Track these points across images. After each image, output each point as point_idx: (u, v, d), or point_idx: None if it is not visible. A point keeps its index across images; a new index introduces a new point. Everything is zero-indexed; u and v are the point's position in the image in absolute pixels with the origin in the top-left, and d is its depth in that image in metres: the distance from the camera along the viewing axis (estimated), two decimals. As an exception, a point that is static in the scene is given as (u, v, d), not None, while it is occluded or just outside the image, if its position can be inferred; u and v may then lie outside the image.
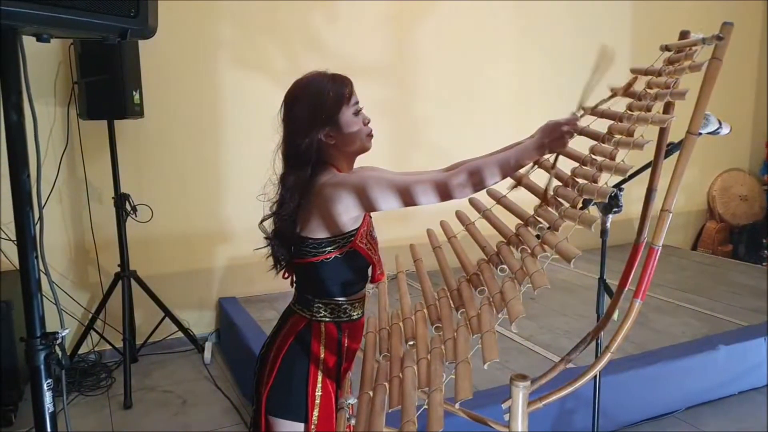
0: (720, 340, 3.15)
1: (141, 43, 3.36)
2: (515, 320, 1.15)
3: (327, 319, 1.56)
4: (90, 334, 3.53)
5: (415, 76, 4.48)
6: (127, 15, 1.26)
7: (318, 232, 1.49)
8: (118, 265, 3.44)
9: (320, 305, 1.55)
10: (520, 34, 4.78)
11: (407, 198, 1.44)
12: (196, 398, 3.22)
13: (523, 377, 1.32)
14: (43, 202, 3.32)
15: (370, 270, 1.64)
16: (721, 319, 3.55)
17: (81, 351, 3.57)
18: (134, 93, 3.23)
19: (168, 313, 3.62)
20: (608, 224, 1.88)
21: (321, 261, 1.51)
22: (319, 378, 1.52)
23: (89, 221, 3.55)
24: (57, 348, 1.55)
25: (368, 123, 1.58)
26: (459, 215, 1.86)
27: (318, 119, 1.49)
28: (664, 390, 2.95)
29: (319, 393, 1.52)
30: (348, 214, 1.46)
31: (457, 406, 1.09)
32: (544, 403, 1.54)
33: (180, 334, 3.74)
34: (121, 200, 3.37)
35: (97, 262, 3.58)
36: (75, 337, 3.58)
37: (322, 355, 1.54)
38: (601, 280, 1.95)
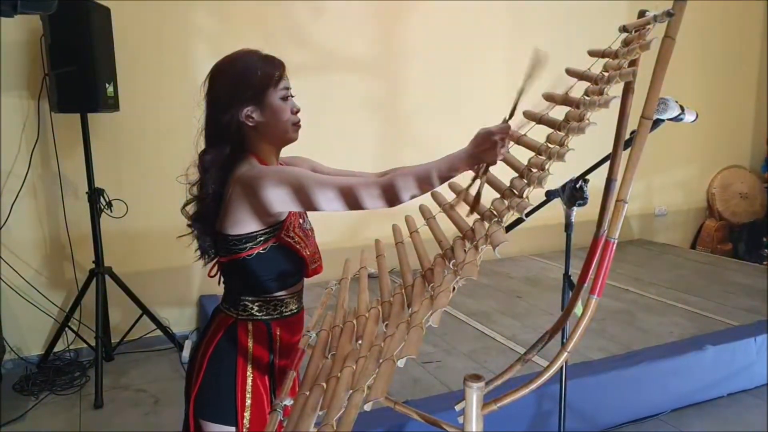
0: (708, 341, 3.05)
1: (116, 34, 3.29)
2: (435, 312, 1.06)
3: (255, 317, 1.48)
4: (65, 332, 3.47)
5: (402, 70, 4.40)
6: (15, -16, 1.17)
7: (237, 227, 1.40)
8: (93, 262, 3.37)
9: (247, 302, 1.47)
10: (510, 27, 4.68)
11: (351, 201, 1.34)
12: (170, 397, 3.14)
13: (477, 378, 1.24)
14: (14, 197, 3.30)
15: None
16: (712, 318, 3.45)
17: (56, 349, 3.51)
18: (107, 86, 3.16)
19: (145, 311, 3.55)
20: (573, 217, 1.80)
21: (243, 258, 1.42)
22: (249, 379, 1.44)
23: (64, 216, 3.48)
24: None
25: (297, 112, 1.48)
26: (422, 210, 1.79)
27: (241, 96, 1.40)
28: (649, 391, 2.86)
29: (250, 394, 1.43)
30: (281, 207, 1.37)
31: (368, 407, 1.01)
32: (498, 405, 1.45)
33: (159, 332, 3.67)
34: (95, 195, 3.30)
35: (72, 259, 3.51)
36: (50, 335, 3.52)
37: (251, 356, 1.46)
38: (566, 276, 1.86)
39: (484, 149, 1.27)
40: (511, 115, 1.38)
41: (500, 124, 1.31)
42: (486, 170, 1.38)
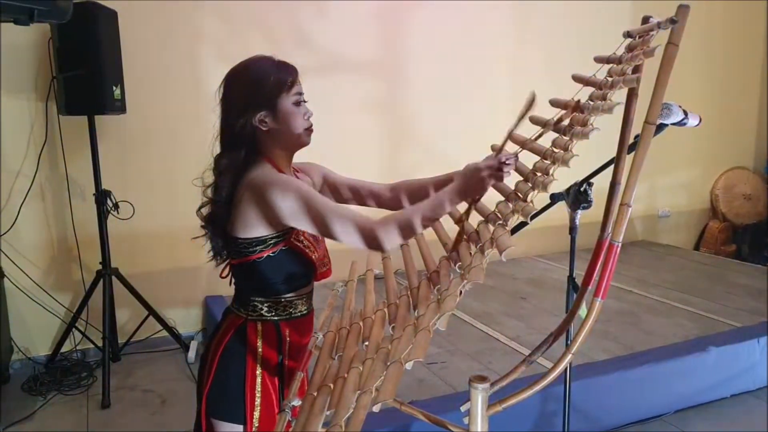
0: (711, 342, 3.06)
1: (123, 37, 3.32)
2: (443, 315, 1.08)
3: (265, 318, 1.50)
4: (73, 333, 3.50)
5: (406, 72, 4.42)
6: (31, -6, 1.19)
7: (247, 231, 1.43)
8: (100, 263, 3.40)
9: (257, 303, 1.50)
10: (513, 29, 4.70)
11: (324, 229, 1.38)
12: (176, 398, 3.17)
13: (483, 379, 1.25)
14: (22, 199, 3.34)
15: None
16: (715, 320, 3.46)
17: (64, 349, 3.54)
18: (114, 88, 3.18)
19: (151, 311, 3.58)
20: (577, 220, 1.81)
21: (253, 260, 1.45)
22: (258, 378, 1.47)
23: (71, 218, 3.51)
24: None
25: (309, 117, 1.51)
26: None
27: (254, 101, 1.43)
28: (652, 392, 2.87)
29: (259, 393, 1.46)
30: (292, 219, 1.40)
31: (377, 408, 1.03)
32: (503, 406, 1.47)
33: (165, 333, 3.70)
34: (102, 196, 3.33)
35: (79, 260, 3.54)
36: (57, 336, 3.55)
37: (260, 355, 1.48)
38: (570, 278, 1.88)
39: (472, 185, 1.32)
40: (500, 150, 1.40)
41: (487, 160, 1.34)
42: (476, 201, 1.40)
